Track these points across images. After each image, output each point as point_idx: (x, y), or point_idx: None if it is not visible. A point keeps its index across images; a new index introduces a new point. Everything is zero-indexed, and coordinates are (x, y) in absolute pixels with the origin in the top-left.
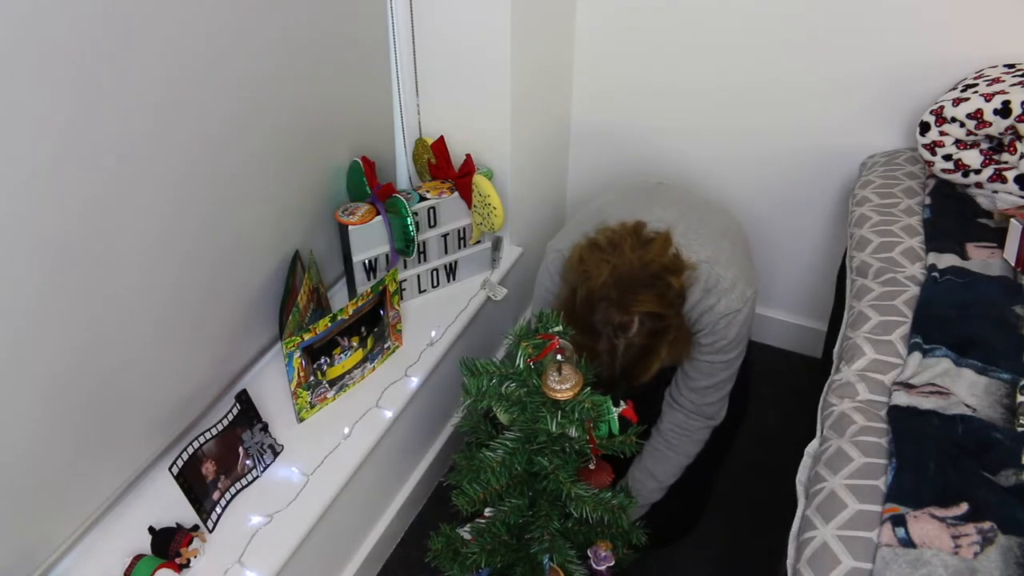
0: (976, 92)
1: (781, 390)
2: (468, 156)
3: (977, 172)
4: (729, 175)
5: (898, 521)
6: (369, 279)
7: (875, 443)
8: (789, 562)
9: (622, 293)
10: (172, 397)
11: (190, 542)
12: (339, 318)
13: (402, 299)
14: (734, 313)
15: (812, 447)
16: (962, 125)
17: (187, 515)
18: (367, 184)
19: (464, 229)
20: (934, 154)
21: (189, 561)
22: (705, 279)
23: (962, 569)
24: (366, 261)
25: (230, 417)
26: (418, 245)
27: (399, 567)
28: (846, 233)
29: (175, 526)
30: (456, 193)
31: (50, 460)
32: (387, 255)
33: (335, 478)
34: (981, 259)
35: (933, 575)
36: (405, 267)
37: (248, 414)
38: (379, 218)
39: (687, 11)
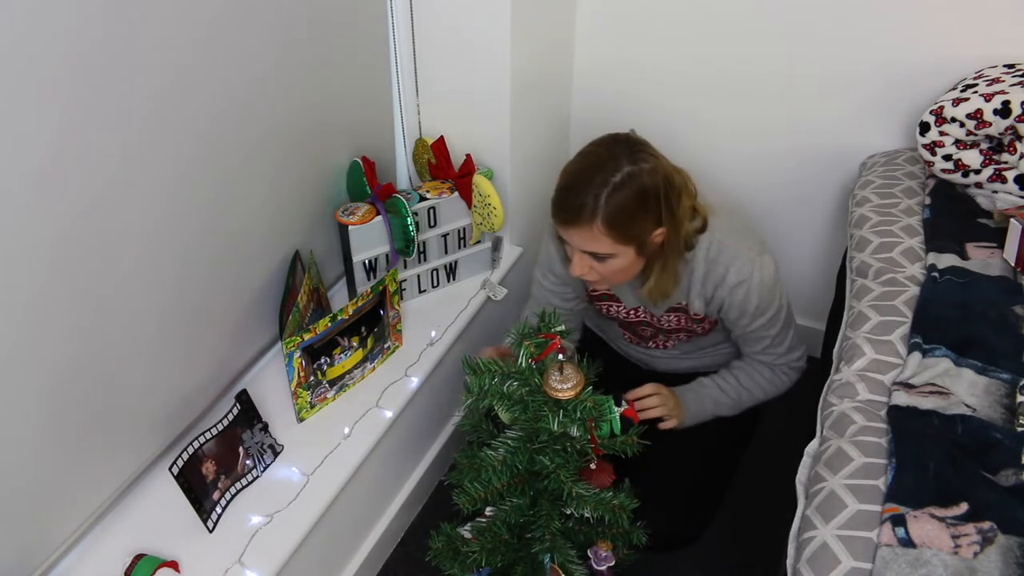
0: (976, 92)
1: None
2: (468, 156)
3: (977, 172)
4: (729, 175)
5: (898, 521)
6: (369, 279)
7: (875, 443)
8: (789, 562)
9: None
10: (172, 397)
11: None
12: (339, 318)
13: (402, 299)
14: (747, 280)
15: (812, 447)
16: (962, 125)
17: (187, 515)
18: (367, 184)
19: (464, 229)
20: (934, 154)
21: None
22: (707, 248)
23: (962, 569)
24: (366, 261)
25: (230, 417)
26: (418, 245)
27: (399, 567)
28: (846, 233)
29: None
30: (456, 193)
31: (50, 460)
32: (387, 255)
33: (335, 478)
34: (981, 259)
35: (933, 575)
36: (405, 267)
37: (248, 414)
38: (379, 218)
39: (687, 15)
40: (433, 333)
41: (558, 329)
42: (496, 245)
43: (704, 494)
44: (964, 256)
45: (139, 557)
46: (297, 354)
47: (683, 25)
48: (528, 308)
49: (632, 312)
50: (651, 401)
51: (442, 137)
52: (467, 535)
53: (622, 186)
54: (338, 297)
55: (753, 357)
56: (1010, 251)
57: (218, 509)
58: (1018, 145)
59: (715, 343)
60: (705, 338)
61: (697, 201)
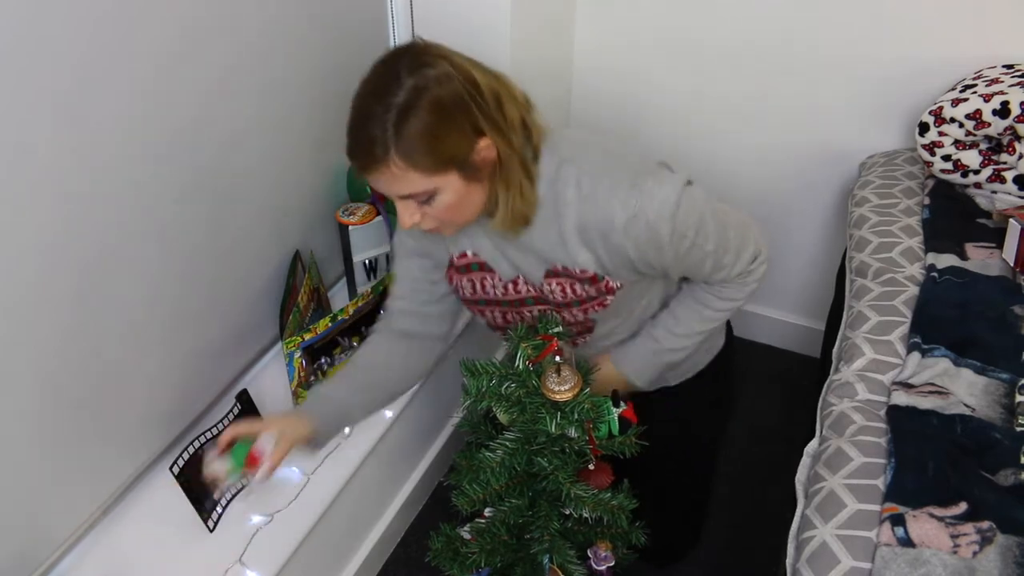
0: (975, 92)
1: (780, 390)
2: None
3: (976, 172)
4: (729, 175)
5: (897, 520)
6: (369, 279)
7: (874, 443)
8: (789, 561)
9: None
10: (172, 397)
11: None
12: (339, 318)
13: None
14: (639, 212)
15: (811, 447)
16: (961, 126)
17: (188, 515)
18: (367, 184)
19: None
20: (933, 154)
21: None
22: (576, 185)
23: (961, 568)
24: (366, 261)
25: (231, 417)
26: None
27: (399, 567)
28: (845, 233)
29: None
30: None
31: (50, 460)
32: (387, 255)
33: (335, 478)
34: (980, 259)
35: (932, 574)
36: None
37: (249, 414)
38: (379, 218)
39: (685, 24)
40: None
41: (555, 331)
42: None
43: (690, 503)
44: (963, 256)
45: (233, 443)
46: (297, 354)
47: (683, 35)
48: (391, 299)
49: (511, 285)
50: None
51: None
52: (466, 536)
53: (409, 106)
54: (338, 297)
55: (706, 283)
56: (1009, 251)
57: (218, 509)
58: (1017, 145)
59: (638, 319)
60: (616, 321)
61: (532, 116)
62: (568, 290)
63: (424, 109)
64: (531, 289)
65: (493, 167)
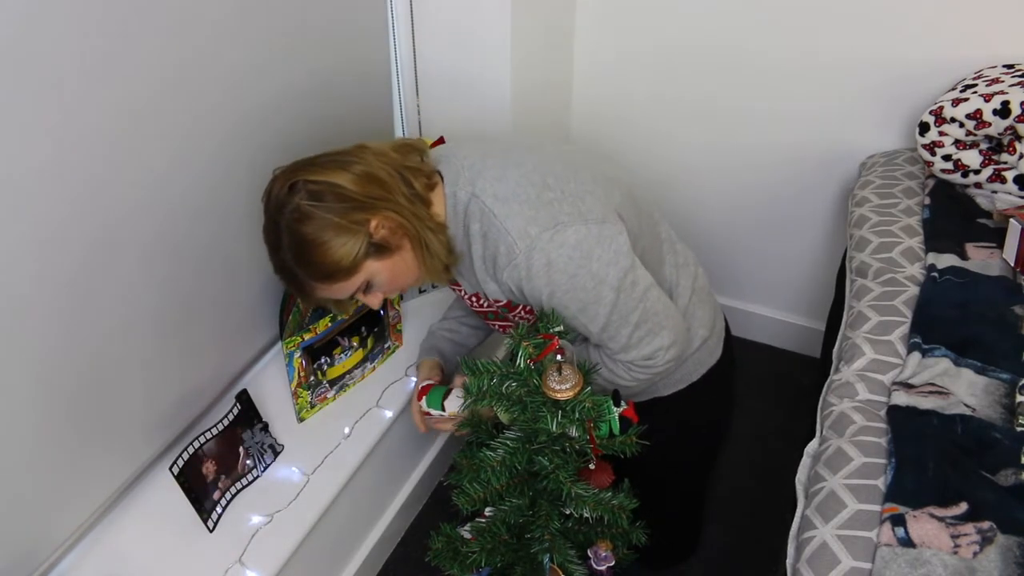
0: (975, 92)
1: (780, 390)
2: None
3: (976, 172)
4: (729, 176)
5: (897, 521)
6: None
7: (874, 443)
8: (789, 562)
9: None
10: (172, 397)
11: None
12: (339, 318)
13: (402, 299)
14: (518, 264)
15: (812, 447)
16: (961, 125)
17: (188, 515)
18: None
19: None
20: (933, 154)
21: None
22: (480, 219)
23: (961, 569)
24: None
25: (230, 417)
26: None
27: (399, 567)
28: (846, 233)
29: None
30: None
31: (50, 460)
32: None
33: (335, 478)
34: (980, 259)
35: (932, 575)
36: None
37: (248, 414)
38: None
39: (685, 31)
40: None
41: (556, 330)
42: None
43: (687, 508)
44: (964, 256)
45: (428, 387)
46: (297, 354)
47: (684, 39)
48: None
49: (473, 299)
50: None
51: (442, 138)
52: (467, 535)
53: (291, 247)
54: None
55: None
56: (1009, 251)
57: (218, 509)
58: (1017, 145)
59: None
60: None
61: (410, 159)
62: (497, 312)
63: (299, 246)
64: (487, 304)
65: (399, 228)
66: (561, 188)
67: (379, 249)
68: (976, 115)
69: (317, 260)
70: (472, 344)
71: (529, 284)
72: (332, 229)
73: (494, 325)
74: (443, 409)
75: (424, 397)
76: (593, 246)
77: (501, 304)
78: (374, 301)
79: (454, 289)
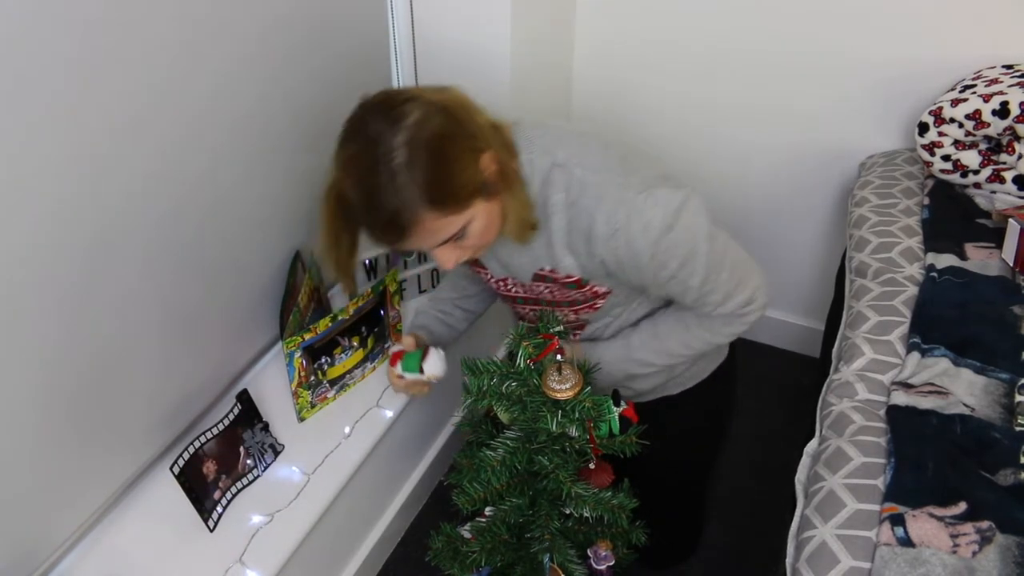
0: (974, 93)
1: (780, 390)
2: None
3: (975, 172)
4: (729, 176)
5: (897, 520)
6: (369, 279)
7: (874, 443)
8: (789, 561)
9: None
10: (173, 397)
11: None
12: (339, 318)
13: (402, 299)
14: (621, 228)
15: (811, 447)
16: (960, 126)
17: (188, 515)
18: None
19: None
20: (933, 155)
21: None
22: (566, 188)
23: (960, 568)
24: (366, 261)
25: (231, 417)
26: None
27: (399, 566)
28: (845, 233)
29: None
30: None
31: (50, 460)
32: (387, 255)
33: (336, 477)
34: (979, 259)
35: (932, 574)
36: (405, 267)
37: (249, 414)
38: None
39: (685, 27)
40: None
41: (556, 330)
42: None
43: (688, 507)
44: (963, 256)
45: (400, 354)
46: (298, 354)
47: (685, 38)
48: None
49: (501, 284)
50: None
51: None
52: (467, 535)
53: (412, 161)
54: (338, 297)
55: (691, 310)
56: (1008, 251)
57: (219, 508)
58: (1016, 146)
59: (628, 320)
60: (608, 319)
61: (492, 116)
62: (557, 293)
63: (427, 157)
64: (519, 289)
65: (501, 171)
66: (634, 155)
67: (486, 189)
68: (975, 115)
69: (442, 178)
70: (463, 329)
71: (630, 250)
72: (460, 148)
73: (524, 310)
74: (421, 372)
75: (399, 362)
76: (681, 205)
77: (571, 280)
78: (452, 257)
79: (478, 272)
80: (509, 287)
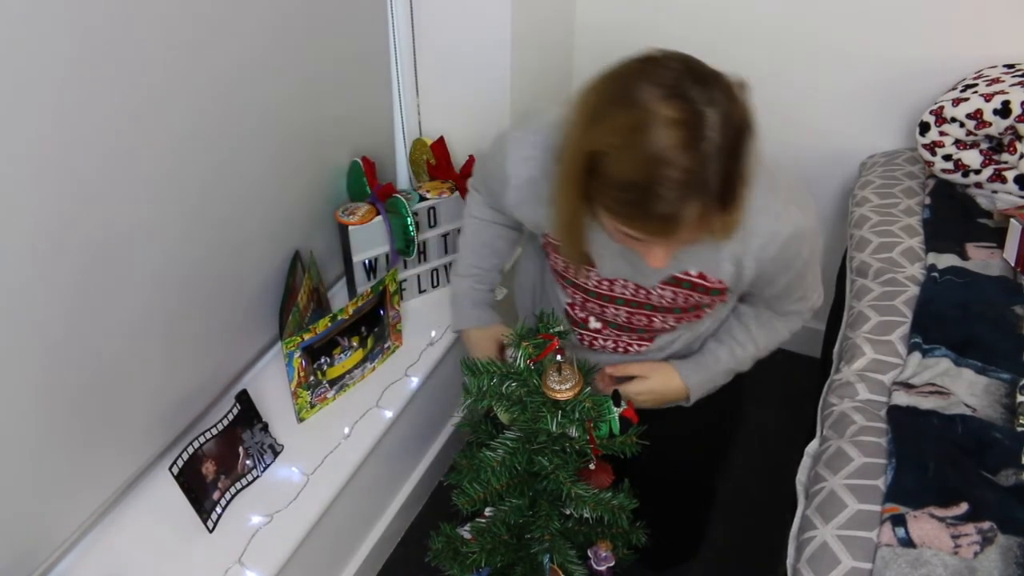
0: (976, 92)
1: (781, 390)
2: (471, 157)
3: (977, 172)
4: None
5: (898, 521)
6: (369, 279)
7: (875, 443)
8: (789, 562)
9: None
10: (172, 397)
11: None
12: (339, 318)
13: (402, 299)
14: (775, 237)
15: (812, 447)
16: (962, 125)
17: (187, 515)
18: (367, 184)
19: None
20: (934, 154)
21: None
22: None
23: (961, 569)
24: (366, 261)
25: (230, 417)
26: (418, 245)
27: (399, 567)
28: (846, 233)
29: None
30: (456, 193)
31: (50, 460)
32: (387, 255)
33: (335, 478)
34: (981, 259)
35: (933, 575)
36: (405, 267)
37: (248, 414)
38: (379, 218)
39: (687, 26)
40: (433, 333)
41: (557, 330)
42: None
43: (694, 506)
44: (964, 256)
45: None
46: (297, 354)
47: (681, 27)
48: (466, 241)
49: (606, 283)
50: (634, 389)
51: (442, 138)
52: (467, 535)
53: (724, 148)
54: (338, 297)
55: (773, 310)
56: (1010, 251)
57: (218, 509)
58: (1018, 145)
59: (704, 331)
60: (697, 324)
61: None
62: (679, 298)
63: (735, 146)
64: (628, 291)
65: None
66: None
67: None
68: (976, 115)
69: (741, 174)
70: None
71: (783, 257)
72: (750, 145)
73: (616, 311)
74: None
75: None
76: (810, 205)
77: (717, 287)
78: (666, 256)
79: (589, 271)
80: (615, 288)
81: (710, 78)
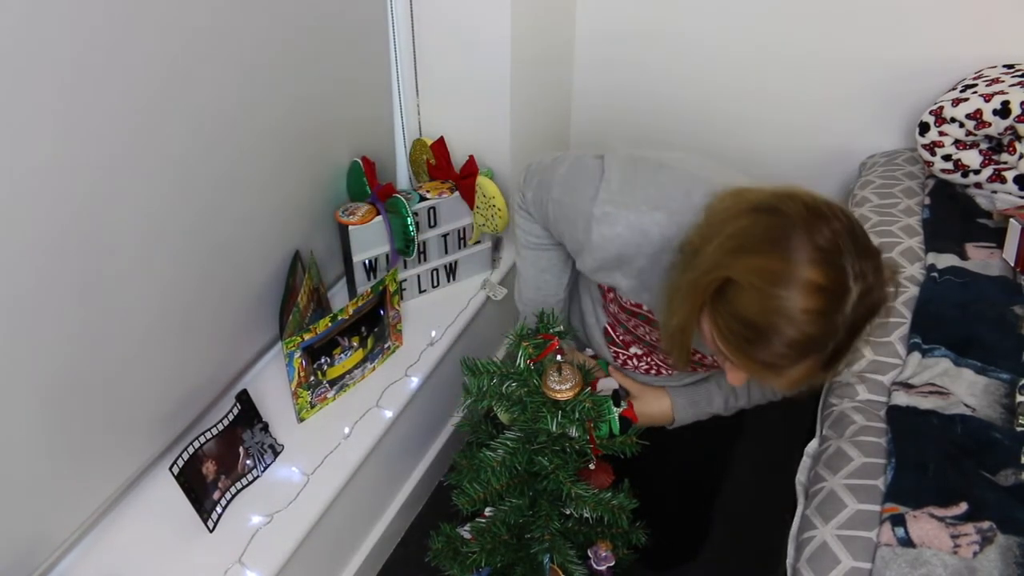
0: (975, 92)
1: None
2: (471, 157)
3: (976, 172)
4: None
5: (897, 521)
6: (369, 279)
7: (875, 443)
8: (789, 562)
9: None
10: (172, 397)
11: None
12: (339, 318)
13: (402, 299)
14: None
15: (812, 447)
16: (961, 125)
17: (187, 515)
18: (367, 184)
19: (464, 229)
20: (933, 154)
21: None
22: None
23: (961, 569)
24: (366, 261)
25: (230, 417)
26: (418, 245)
27: (399, 567)
28: None
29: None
30: (456, 193)
31: (50, 460)
32: (387, 255)
33: (335, 478)
34: (980, 259)
35: (932, 574)
36: (405, 267)
37: (248, 414)
38: (379, 218)
39: (687, 26)
40: (433, 333)
41: (556, 330)
42: (496, 245)
43: (696, 507)
44: (963, 256)
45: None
46: (297, 354)
47: (684, 43)
48: (525, 273)
49: (629, 301)
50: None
51: (442, 138)
52: (467, 535)
53: (853, 324)
54: (338, 297)
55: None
56: (1009, 251)
57: (218, 509)
58: (1017, 145)
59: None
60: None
61: None
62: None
63: (866, 324)
64: (653, 314)
65: None
66: None
67: None
68: (976, 115)
69: (856, 347)
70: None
71: None
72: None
73: (642, 329)
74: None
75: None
76: None
77: None
78: (744, 380)
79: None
80: (636, 305)
81: (867, 251)
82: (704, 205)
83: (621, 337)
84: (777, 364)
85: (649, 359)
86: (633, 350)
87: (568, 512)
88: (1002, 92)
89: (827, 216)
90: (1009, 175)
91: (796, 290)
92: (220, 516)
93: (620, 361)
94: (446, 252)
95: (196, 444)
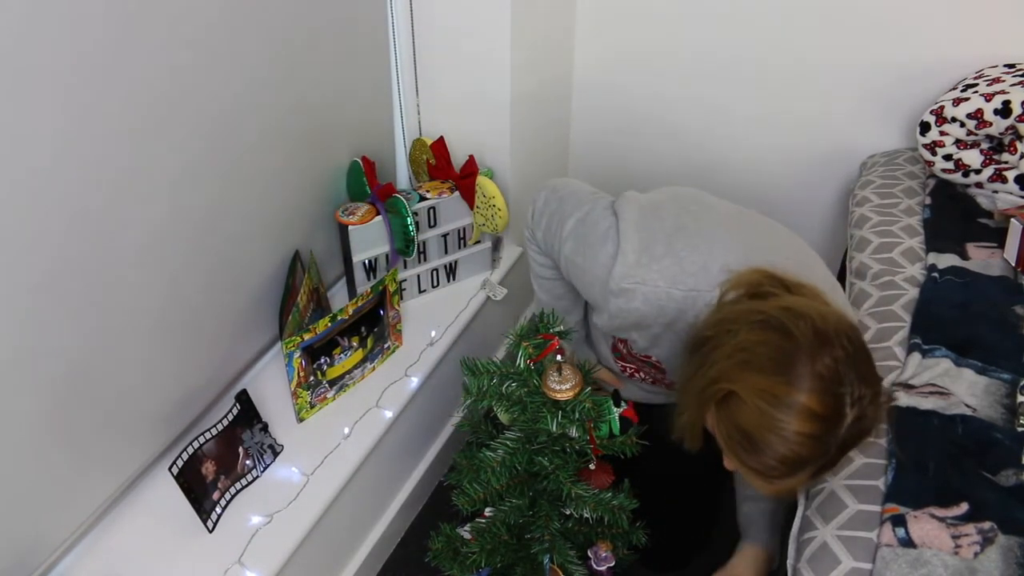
0: (976, 92)
1: None
2: (471, 157)
3: (977, 172)
4: (729, 176)
5: (898, 521)
6: (369, 279)
7: (875, 443)
8: (789, 562)
9: (864, 364)
10: (172, 397)
11: None
12: (339, 318)
13: (402, 299)
14: None
15: None
16: (962, 125)
17: (187, 515)
18: (367, 184)
19: (464, 229)
20: (934, 154)
21: None
22: None
23: (962, 569)
24: (366, 261)
25: (230, 417)
26: (418, 245)
27: (399, 567)
28: (846, 233)
29: None
30: (456, 193)
31: (50, 460)
32: (387, 255)
33: (335, 478)
34: (981, 259)
35: (933, 575)
36: (405, 267)
37: (248, 414)
38: (379, 218)
39: (687, 27)
40: (433, 333)
41: (556, 330)
42: (496, 245)
43: (698, 512)
44: (964, 256)
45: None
46: (297, 354)
47: (685, 35)
48: (541, 301)
49: (641, 351)
50: None
51: (442, 138)
52: (467, 536)
53: (844, 443)
54: (338, 297)
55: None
56: (1010, 251)
57: (218, 509)
58: (1018, 145)
59: None
60: None
61: None
62: None
63: (856, 444)
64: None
65: None
66: None
67: None
68: (977, 115)
69: (843, 462)
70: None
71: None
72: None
73: (643, 374)
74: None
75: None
76: None
77: None
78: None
79: (619, 345)
80: (646, 356)
81: (867, 378)
82: (720, 282)
83: (626, 369)
84: (766, 474)
85: (653, 375)
86: (639, 376)
87: (568, 512)
88: (1003, 92)
89: (832, 343)
90: (1010, 175)
91: (793, 415)
92: (220, 516)
93: (628, 374)
94: (446, 252)
95: (196, 444)
